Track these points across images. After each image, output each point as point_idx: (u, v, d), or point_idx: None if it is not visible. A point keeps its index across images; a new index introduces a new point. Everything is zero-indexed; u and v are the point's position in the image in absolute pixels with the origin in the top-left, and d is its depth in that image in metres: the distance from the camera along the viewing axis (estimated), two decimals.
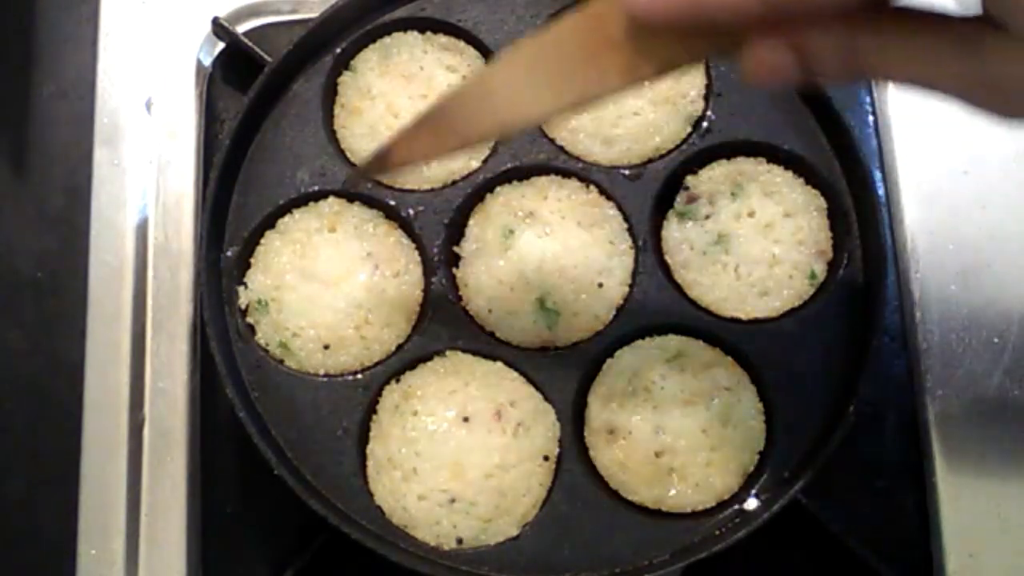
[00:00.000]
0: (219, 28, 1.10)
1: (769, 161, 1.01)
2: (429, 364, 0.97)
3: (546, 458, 0.94)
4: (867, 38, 0.57)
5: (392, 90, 1.03)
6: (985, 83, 0.55)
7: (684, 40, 0.60)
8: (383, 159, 0.78)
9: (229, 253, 0.99)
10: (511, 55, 0.69)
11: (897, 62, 0.57)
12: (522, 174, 1.01)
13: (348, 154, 1.02)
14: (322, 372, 0.97)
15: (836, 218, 1.00)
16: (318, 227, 1.00)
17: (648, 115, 1.01)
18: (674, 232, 1.00)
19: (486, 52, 1.04)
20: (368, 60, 1.05)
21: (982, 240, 1.07)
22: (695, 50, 0.62)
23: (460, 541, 0.92)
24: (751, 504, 0.92)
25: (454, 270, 0.99)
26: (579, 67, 0.65)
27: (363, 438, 0.95)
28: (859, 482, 1.02)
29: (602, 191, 1.00)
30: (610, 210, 1.00)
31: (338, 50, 1.04)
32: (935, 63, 0.56)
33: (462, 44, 1.05)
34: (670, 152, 1.01)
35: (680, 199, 1.01)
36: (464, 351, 0.97)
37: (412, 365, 0.97)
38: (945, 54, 0.56)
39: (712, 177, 1.01)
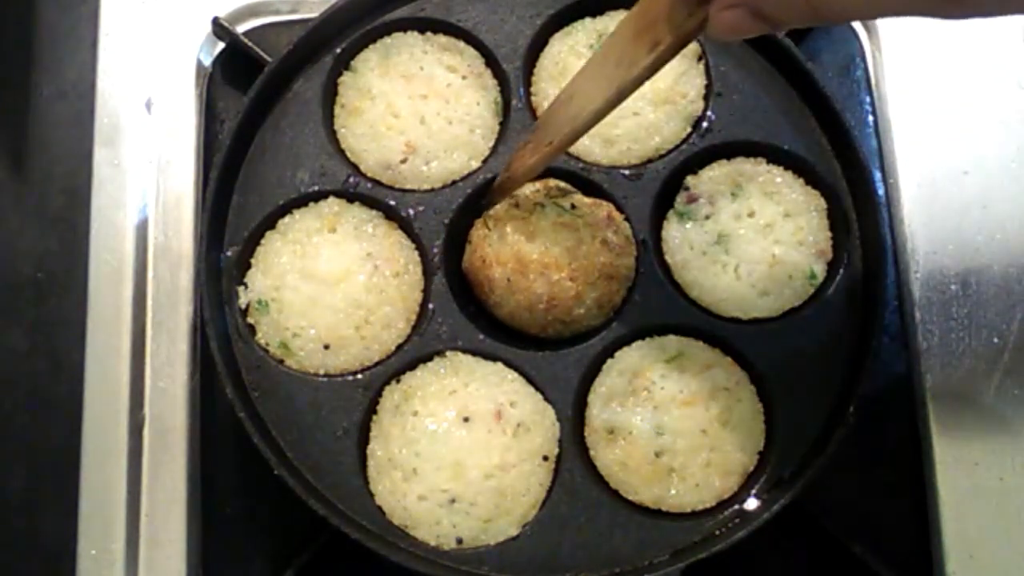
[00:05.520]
0: (219, 28, 1.10)
1: (769, 161, 1.01)
2: (429, 364, 0.97)
3: (546, 458, 0.94)
4: None
5: (392, 90, 1.03)
6: None
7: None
8: (504, 184, 0.94)
9: (229, 253, 0.99)
10: (590, 59, 0.82)
11: None
12: None
13: (348, 154, 1.02)
14: (322, 372, 0.97)
15: (836, 218, 1.00)
16: (318, 227, 0.99)
17: (648, 115, 1.01)
18: (674, 232, 1.00)
19: (486, 52, 1.04)
20: (368, 60, 1.05)
21: (982, 240, 1.07)
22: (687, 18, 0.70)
23: (460, 541, 0.92)
24: (751, 504, 0.92)
25: None
26: (628, 47, 0.75)
27: (363, 438, 0.95)
28: (859, 482, 1.02)
29: (602, 191, 1.00)
30: None
31: (338, 50, 1.04)
32: None
33: (462, 44, 1.05)
34: (670, 152, 1.01)
35: (680, 199, 1.01)
36: (464, 351, 0.97)
37: (412, 365, 0.96)
38: None
39: (712, 177, 1.01)
